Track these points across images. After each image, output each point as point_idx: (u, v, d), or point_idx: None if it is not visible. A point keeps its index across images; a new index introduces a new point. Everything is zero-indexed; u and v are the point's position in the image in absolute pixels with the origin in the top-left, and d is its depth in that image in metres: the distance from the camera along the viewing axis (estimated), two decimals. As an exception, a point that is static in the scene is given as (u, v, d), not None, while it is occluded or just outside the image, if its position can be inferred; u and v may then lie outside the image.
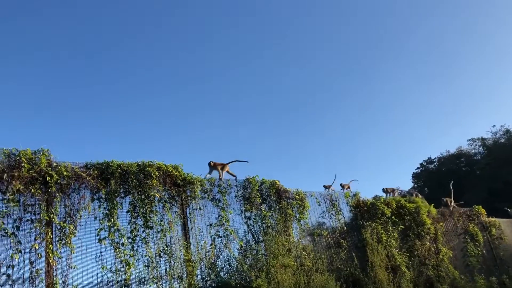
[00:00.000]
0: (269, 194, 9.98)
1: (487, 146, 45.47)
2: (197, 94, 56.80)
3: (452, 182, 16.23)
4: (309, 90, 60.73)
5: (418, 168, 50.84)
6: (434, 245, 12.59)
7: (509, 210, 17.99)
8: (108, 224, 7.41)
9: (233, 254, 8.71)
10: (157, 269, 7.61)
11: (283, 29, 56.17)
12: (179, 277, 7.75)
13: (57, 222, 6.88)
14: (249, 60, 57.65)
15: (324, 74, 59.62)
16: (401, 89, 62.34)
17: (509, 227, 16.14)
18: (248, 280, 8.24)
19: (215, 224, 8.79)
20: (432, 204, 13.84)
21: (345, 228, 11.29)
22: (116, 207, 7.61)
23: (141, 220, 7.82)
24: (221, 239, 8.72)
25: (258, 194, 9.75)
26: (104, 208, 7.53)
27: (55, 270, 6.67)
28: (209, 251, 8.43)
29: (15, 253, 6.36)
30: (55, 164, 7.19)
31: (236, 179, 9.69)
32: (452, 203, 14.72)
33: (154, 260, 7.63)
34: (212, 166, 9.51)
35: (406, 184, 54.97)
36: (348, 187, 12.39)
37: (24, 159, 6.84)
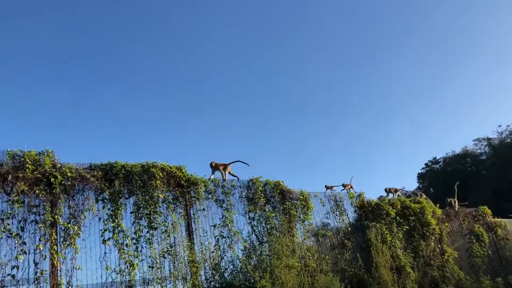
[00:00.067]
0: (273, 194, 9.97)
1: (493, 146, 45.28)
2: (200, 95, 56.89)
3: (457, 183, 16.14)
4: (311, 90, 60.64)
5: (423, 168, 50.76)
6: (439, 245, 12.53)
7: None
8: (112, 225, 7.43)
9: (237, 255, 8.71)
10: (161, 270, 7.62)
11: (284, 29, 56.12)
12: (183, 278, 7.76)
13: (61, 223, 6.91)
14: (251, 61, 57.65)
15: (326, 74, 59.50)
16: (405, 89, 62.15)
17: (515, 228, 16.03)
18: (252, 281, 8.23)
19: (219, 225, 8.79)
20: (438, 205, 13.79)
21: (349, 228, 11.25)
22: (120, 208, 7.63)
23: (145, 221, 7.83)
24: (225, 240, 8.72)
25: (262, 194, 9.75)
26: (108, 209, 7.55)
27: (60, 271, 6.69)
28: (213, 252, 8.44)
29: (19, 254, 6.40)
30: (59, 165, 7.23)
31: (238, 179, 9.69)
32: (456, 204, 14.64)
33: (158, 261, 7.65)
34: (214, 167, 9.50)
35: (411, 184, 54.88)
36: (351, 187, 12.33)
37: (28, 160, 6.88)
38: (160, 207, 8.08)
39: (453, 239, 13.34)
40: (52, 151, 7.28)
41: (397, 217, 11.94)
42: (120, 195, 7.72)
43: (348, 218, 11.45)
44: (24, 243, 6.50)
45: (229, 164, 9.77)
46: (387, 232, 11.34)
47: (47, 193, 6.94)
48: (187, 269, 7.90)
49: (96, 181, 7.49)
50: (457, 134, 65.03)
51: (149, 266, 7.53)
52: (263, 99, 58.73)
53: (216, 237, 8.65)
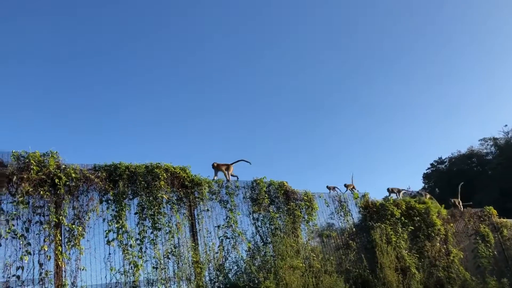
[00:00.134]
0: (277, 195, 9.97)
1: (499, 146, 45.02)
2: (202, 95, 56.87)
3: (461, 183, 16.06)
4: (316, 90, 60.52)
5: (428, 168, 50.54)
6: (445, 246, 12.47)
7: None
8: (116, 225, 7.45)
9: (241, 256, 8.71)
10: (165, 271, 7.63)
11: (286, 30, 56.01)
12: (187, 278, 7.77)
13: (65, 224, 6.94)
14: (252, 61, 57.54)
15: (328, 74, 59.33)
16: (409, 89, 61.92)
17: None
18: (257, 281, 8.23)
19: (223, 225, 8.80)
20: (443, 205, 13.73)
21: (354, 229, 11.23)
22: (124, 209, 7.65)
23: (149, 221, 7.85)
24: (229, 241, 8.72)
25: (266, 195, 9.74)
26: (113, 209, 7.57)
27: (64, 271, 6.73)
28: (217, 253, 8.44)
29: (24, 255, 6.42)
30: (63, 166, 7.25)
31: (237, 179, 9.68)
32: (460, 204, 14.57)
33: (162, 261, 7.66)
34: (216, 167, 9.51)
35: (417, 184, 54.71)
36: (353, 187, 12.28)
37: (33, 162, 6.90)
38: (164, 208, 8.10)
39: (458, 239, 13.27)
40: (56, 152, 7.32)
41: (402, 218, 11.90)
42: (124, 196, 7.74)
43: (353, 218, 11.43)
44: (29, 244, 6.53)
45: (232, 164, 9.77)
46: (392, 232, 11.30)
47: (51, 194, 6.96)
48: (191, 269, 7.91)
49: (100, 182, 7.51)
50: (462, 134, 64.72)
51: (153, 267, 7.54)
52: (265, 99, 58.59)
53: (220, 238, 8.65)
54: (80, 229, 7.03)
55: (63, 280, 6.65)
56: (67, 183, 7.13)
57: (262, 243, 9.15)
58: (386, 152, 63.03)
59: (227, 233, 8.78)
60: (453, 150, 51.32)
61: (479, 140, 47.49)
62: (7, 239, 6.38)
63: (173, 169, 8.48)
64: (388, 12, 56.19)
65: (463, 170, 44.36)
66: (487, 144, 46.76)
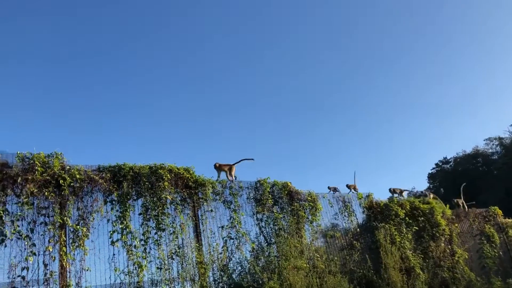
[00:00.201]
0: (281, 196, 9.97)
1: (504, 146, 44.76)
2: (203, 95, 56.95)
3: (464, 184, 15.99)
4: (316, 90, 60.40)
5: (433, 168, 50.34)
6: (449, 246, 12.43)
7: None
8: (120, 226, 7.47)
9: (245, 256, 8.71)
10: (169, 271, 7.65)
11: (286, 30, 55.97)
12: (191, 279, 7.78)
13: (70, 224, 6.97)
14: (253, 61, 57.57)
15: (331, 74, 59.21)
16: (409, 89, 61.67)
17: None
18: (260, 282, 8.23)
19: (227, 226, 8.80)
20: (448, 205, 13.68)
21: (358, 229, 11.21)
22: (128, 210, 7.67)
23: (153, 222, 7.87)
24: (233, 241, 8.73)
25: (270, 196, 9.75)
26: (117, 210, 7.59)
27: (69, 272, 6.75)
28: (221, 253, 8.45)
29: (29, 256, 6.46)
30: (68, 167, 7.28)
31: (236, 178, 9.65)
32: (464, 204, 14.51)
33: (166, 262, 7.68)
34: (218, 168, 9.51)
35: (422, 184, 54.51)
36: (355, 188, 12.26)
37: (37, 163, 6.94)
38: (168, 208, 8.12)
39: (463, 240, 13.23)
40: (61, 153, 7.35)
41: (406, 218, 11.88)
42: (128, 197, 7.77)
43: (357, 219, 11.42)
44: (34, 244, 6.56)
45: (234, 164, 9.76)
46: (396, 233, 11.28)
47: (56, 195, 7.00)
48: (195, 270, 7.92)
49: (104, 183, 7.54)
50: (467, 134, 64.43)
51: (157, 267, 7.56)
52: (265, 99, 58.66)
53: (224, 238, 8.66)
54: (85, 230, 7.05)
55: (68, 280, 6.68)
56: (72, 184, 7.15)
57: (266, 244, 9.15)
58: (389, 152, 62.93)
59: (231, 233, 8.78)
60: (458, 150, 51.18)
61: (484, 140, 47.31)
62: (12, 239, 6.42)
63: (177, 170, 8.50)
64: (388, 12, 56.11)
65: (468, 170, 44.16)
66: (493, 144, 46.54)
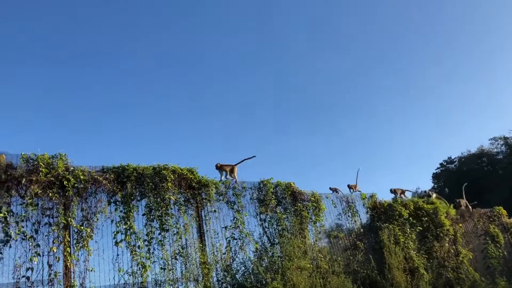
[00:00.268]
0: (284, 196, 9.98)
1: (509, 145, 44.58)
2: (203, 96, 56.98)
3: (465, 184, 15.93)
4: (316, 90, 60.29)
5: (438, 168, 50.19)
6: (454, 246, 12.40)
7: None
8: (124, 227, 7.50)
9: (249, 257, 8.73)
10: (173, 272, 7.67)
11: (286, 30, 55.92)
12: (195, 279, 7.80)
13: (74, 225, 7.00)
14: (257, 62, 57.56)
15: (334, 74, 59.08)
16: (409, 88, 61.47)
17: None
18: (264, 282, 8.24)
19: (230, 226, 8.82)
20: (451, 205, 13.64)
21: (361, 229, 11.20)
22: (132, 210, 7.70)
23: (157, 222, 7.89)
24: (237, 242, 8.75)
25: (273, 196, 9.76)
26: (121, 211, 7.62)
27: (73, 272, 6.78)
28: (224, 254, 8.47)
29: (34, 256, 6.49)
30: (72, 168, 7.32)
31: (233, 179, 9.68)
32: (466, 204, 14.45)
33: (170, 262, 7.70)
34: (219, 168, 9.53)
35: (426, 184, 54.33)
36: (356, 188, 12.23)
37: (42, 164, 6.98)
38: (171, 209, 8.14)
39: (467, 240, 13.19)
40: (65, 154, 7.38)
41: (410, 218, 11.86)
42: (132, 198, 7.79)
43: (360, 219, 11.40)
44: (38, 245, 6.59)
45: (236, 165, 9.78)
46: (400, 233, 11.26)
47: (60, 196, 7.03)
48: (199, 270, 7.94)
49: (108, 184, 7.57)
50: (471, 134, 64.16)
51: (161, 268, 7.58)
52: (265, 99, 58.62)
53: (228, 239, 8.68)
54: (89, 231, 7.08)
55: (72, 281, 6.71)
56: (76, 185, 7.19)
57: (269, 244, 9.16)
58: (389, 152, 62.69)
59: (234, 234, 8.80)
60: (463, 150, 50.97)
61: (489, 140, 47.14)
62: (16, 240, 6.46)
63: (180, 171, 8.52)
64: (388, 12, 55.89)
65: (473, 169, 44.01)
66: (498, 144, 46.35)
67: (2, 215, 6.45)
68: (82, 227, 7.04)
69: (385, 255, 10.53)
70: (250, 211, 9.30)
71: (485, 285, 12.06)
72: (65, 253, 6.76)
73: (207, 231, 8.48)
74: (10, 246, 6.41)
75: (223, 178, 9.46)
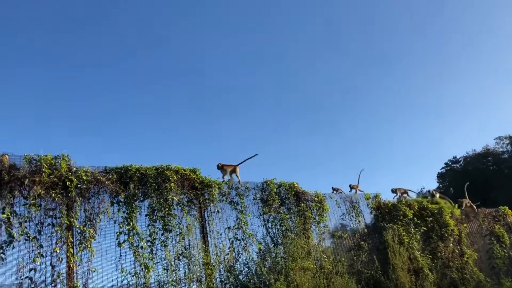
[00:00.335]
0: (287, 196, 9.95)
1: (515, 145, 44.31)
2: (203, 96, 56.97)
3: (467, 183, 15.83)
4: (316, 90, 60.11)
5: (443, 167, 49.86)
6: (458, 247, 12.32)
7: None
8: (127, 227, 7.51)
9: (252, 257, 8.70)
10: (176, 272, 7.66)
11: (286, 30, 55.74)
12: (198, 280, 7.79)
13: (77, 226, 7.01)
14: (257, 63, 57.46)
15: (333, 75, 58.90)
16: (409, 88, 61.20)
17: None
18: (267, 283, 8.22)
19: (233, 227, 8.80)
20: (456, 205, 13.57)
21: (365, 230, 11.15)
22: (135, 211, 7.70)
23: (160, 223, 7.89)
24: (240, 242, 8.73)
25: (277, 196, 9.73)
26: (123, 212, 7.63)
27: (76, 273, 6.80)
28: (227, 254, 8.45)
29: (37, 257, 6.52)
30: (75, 169, 7.33)
31: (230, 180, 9.65)
32: (469, 204, 14.36)
33: (173, 263, 7.70)
34: (221, 168, 9.52)
35: (431, 184, 54.08)
36: (358, 188, 12.19)
37: (44, 164, 6.99)
38: (174, 209, 8.14)
39: (472, 240, 13.11)
40: (68, 155, 7.40)
41: (415, 218, 11.80)
42: (135, 198, 7.80)
43: (364, 219, 11.36)
44: (41, 246, 6.62)
45: (238, 165, 9.77)
46: (404, 233, 11.21)
47: (63, 197, 7.05)
48: (202, 271, 7.93)
49: (111, 184, 7.57)
50: (477, 133, 63.81)
51: (164, 269, 7.58)
52: (265, 99, 58.46)
53: (231, 239, 8.66)
54: (92, 231, 7.09)
55: (75, 282, 6.72)
56: (79, 185, 7.20)
57: (272, 245, 9.13)
58: (391, 152, 62.45)
59: (237, 234, 8.78)
60: (468, 149, 50.69)
61: (494, 139, 46.78)
62: (20, 241, 6.48)
63: (183, 171, 8.52)
64: (388, 12, 55.67)
65: (478, 169, 43.71)
66: (503, 143, 46.00)
67: (5, 216, 6.48)
68: (85, 228, 7.05)
69: (389, 256, 10.48)
70: (253, 212, 9.29)
71: (490, 285, 11.98)
72: (68, 254, 6.78)
73: (210, 231, 8.47)
74: (13, 247, 6.44)
75: (225, 178, 9.45)
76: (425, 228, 11.83)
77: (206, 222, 8.52)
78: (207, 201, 8.69)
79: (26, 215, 6.63)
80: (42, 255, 6.57)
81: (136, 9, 47.11)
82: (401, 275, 10.16)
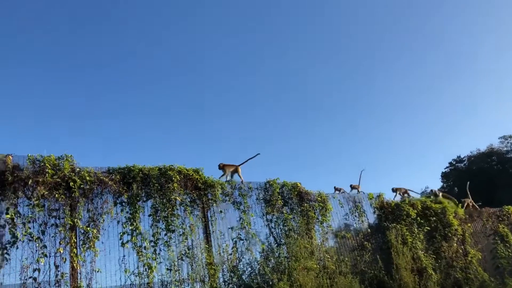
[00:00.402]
0: (290, 196, 9.94)
1: (519, 144, 44.13)
2: (202, 96, 56.98)
3: (468, 183, 15.78)
4: (316, 90, 60.05)
5: (447, 167, 49.73)
6: (462, 246, 12.28)
7: None
8: (130, 228, 7.53)
9: (255, 257, 8.71)
10: (179, 272, 7.68)
11: (286, 30, 55.72)
12: (201, 280, 7.80)
13: (80, 226, 7.04)
14: (258, 63, 57.46)
15: (333, 75, 58.80)
16: (409, 88, 61.04)
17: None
18: (270, 283, 8.22)
19: (236, 227, 8.81)
20: (460, 205, 13.52)
21: (369, 230, 11.13)
22: (138, 211, 7.72)
23: (163, 223, 7.91)
24: (243, 242, 8.73)
25: (279, 196, 9.73)
26: (127, 212, 7.65)
27: (80, 273, 6.82)
28: (230, 254, 8.46)
29: (40, 257, 6.54)
30: (78, 169, 7.36)
31: (228, 179, 9.66)
32: (471, 204, 14.32)
33: (176, 263, 7.71)
34: (222, 168, 9.52)
35: (436, 183, 53.95)
36: (359, 188, 12.17)
37: (48, 165, 7.02)
38: (177, 209, 8.16)
39: (476, 240, 13.06)
40: (71, 155, 7.42)
41: (418, 218, 11.77)
42: (138, 198, 7.82)
43: (368, 219, 11.33)
44: (45, 246, 6.64)
45: (240, 165, 9.78)
46: (407, 233, 11.18)
47: (66, 197, 7.07)
48: (205, 271, 7.94)
49: (114, 185, 7.59)
50: (482, 132, 63.59)
51: (167, 269, 7.60)
52: (265, 100, 58.46)
53: (234, 240, 8.67)
54: (95, 232, 7.12)
55: (79, 282, 6.74)
56: (82, 186, 7.22)
57: (276, 245, 9.13)
58: (392, 152, 62.31)
59: (240, 234, 8.79)
60: (472, 149, 50.50)
61: (498, 138, 46.65)
62: (23, 241, 6.51)
63: (186, 171, 8.53)
64: (387, 12, 55.53)
65: (482, 168, 43.55)
66: (507, 142, 45.85)
67: (9, 216, 6.51)
68: (88, 228, 7.08)
69: (392, 255, 10.46)
70: (256, 212, 9.30)
71: (494, 285, 11.93)
72: (72, 254, 6.80)
73: (213, 231, 8.48)
74: (17, 247, 6.46)
75: (227, 178, 9.46)
76: (428, 228, 11.80)
77: (209, 222, 8.53)
78: (210, 201, 8.70)
79: (30, 215, 6.66)
80: (46, 255, 6.59)
81: (136, 9, 47.23)
82: (404, 275, 10.14)
